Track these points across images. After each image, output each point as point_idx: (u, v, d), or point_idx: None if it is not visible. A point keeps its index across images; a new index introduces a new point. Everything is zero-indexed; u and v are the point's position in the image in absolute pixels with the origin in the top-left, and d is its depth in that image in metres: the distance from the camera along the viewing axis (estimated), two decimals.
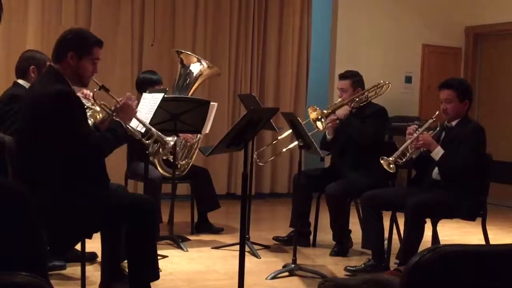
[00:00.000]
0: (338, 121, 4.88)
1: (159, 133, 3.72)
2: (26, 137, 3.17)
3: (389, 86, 4.90)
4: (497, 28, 8.01)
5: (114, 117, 3.40)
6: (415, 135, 4.23)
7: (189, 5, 7.14)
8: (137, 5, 6.91)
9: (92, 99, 3.47)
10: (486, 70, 8.40)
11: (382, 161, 4.19)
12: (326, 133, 5.03)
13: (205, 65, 5.45)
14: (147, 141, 3.67)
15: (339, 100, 4.97)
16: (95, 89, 3.52)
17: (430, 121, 4.34)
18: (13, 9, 6.34)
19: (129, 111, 3.42)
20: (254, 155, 5.00)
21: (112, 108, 3.45)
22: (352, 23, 7.91)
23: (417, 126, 4.36)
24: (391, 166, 4.20)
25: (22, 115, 3.27)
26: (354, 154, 4.91)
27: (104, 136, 3.28)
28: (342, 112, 4.89)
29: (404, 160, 4.24)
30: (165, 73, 6.62)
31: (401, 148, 4.25)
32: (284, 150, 5.25)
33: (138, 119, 3.58)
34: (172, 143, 3.74)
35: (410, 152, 4.26)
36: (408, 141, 4.25)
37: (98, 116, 3.75)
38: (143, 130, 3.71)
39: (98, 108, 3.59)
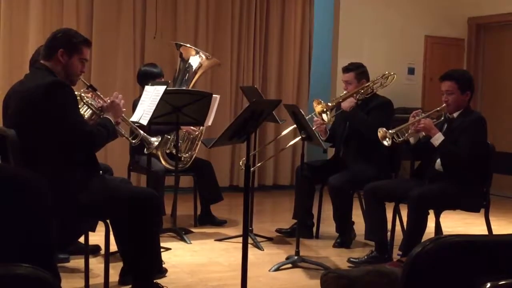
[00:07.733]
0: (324, 126, 4.87)
1: (145, 134, 3.77)
2: (23, 131, 3.17)
3: (394, 77, 4.86)
4: (500, 18, 7.98)
5: (102, 116, 3.46)
6: (417, 118, 4.24)
7: None
8: None
9: (79, 98, 3.49)
10: (489, 61, 8.37)
11: (379, 132, 4.20)
12: (318, 135, 4.99)
13: (203, 57, 5.44)
14: (133, 140, 3.71)
15: (344, 92, 4.95)
16: (82, 89, 3.57)
17: (436, 109, 4.34)
18: (14, 5, 6.33)
19: (117, 110, 3.48)
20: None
21: (99, 107, 3.50)
22: (355, 14, 7.89)
23: (421, 111, 4.37)
24: (387, 139, 4.20)
25: (15, 111, 3.26)
26: (358, 145, 4.90)
27: (96, 128, 3.31)
28: (347, 104, 4.86)
29: (401, 139, 4.25)
30: (168, 65, 6.61)
31: (401, 126, 4.27)
32: (278, 152, 5.21)
33: (124, 119, 3.63)
34: (156, 143, 3.79)
35: (409, 133, 4.27)
36: (410, 121, 4.26)
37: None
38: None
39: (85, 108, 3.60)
